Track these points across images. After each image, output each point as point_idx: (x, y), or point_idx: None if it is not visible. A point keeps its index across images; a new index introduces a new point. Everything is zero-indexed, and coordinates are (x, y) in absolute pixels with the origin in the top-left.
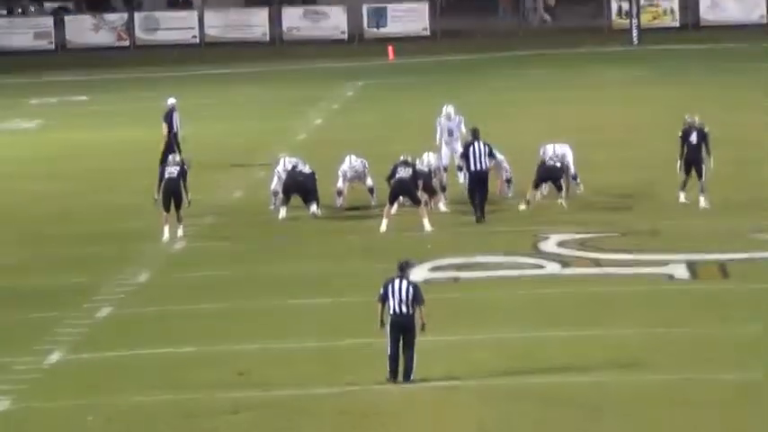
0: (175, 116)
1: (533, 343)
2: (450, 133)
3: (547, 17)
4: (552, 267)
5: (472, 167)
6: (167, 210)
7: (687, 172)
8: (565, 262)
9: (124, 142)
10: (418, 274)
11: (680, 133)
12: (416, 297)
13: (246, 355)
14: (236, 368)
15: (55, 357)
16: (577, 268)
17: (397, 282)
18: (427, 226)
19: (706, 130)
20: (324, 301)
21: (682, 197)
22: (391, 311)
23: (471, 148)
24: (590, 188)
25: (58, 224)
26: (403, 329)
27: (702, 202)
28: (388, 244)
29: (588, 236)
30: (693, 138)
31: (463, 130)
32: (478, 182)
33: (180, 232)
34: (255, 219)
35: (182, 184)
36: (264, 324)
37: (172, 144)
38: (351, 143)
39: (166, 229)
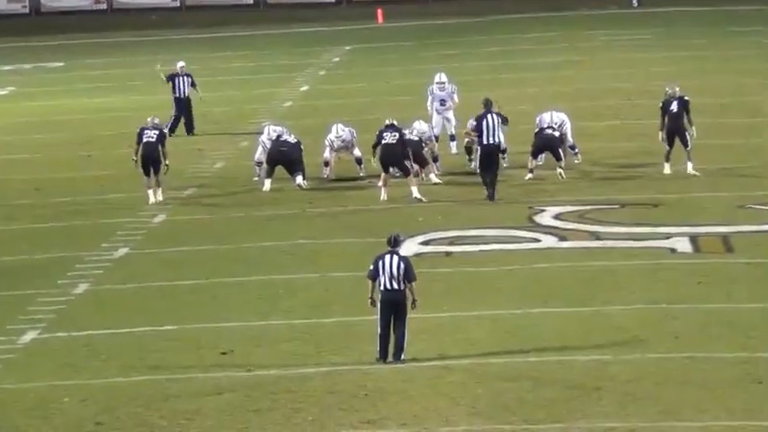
0: (179, 80)
1: (529, 320)
2: (443, 102)
3: None
4: (549, 241)
5: (485, 141)
6: (147, 174)
7: (670, 143)
8: (562, 235)
9: (102, 110)
10: (409, 248)
11: (660, 104)
12: (408, 273)
13: (229, 333)
14: (218, 347)
15: (29, 336)
16: (575, 242)
17: (387, 257)
18: (416, 194)
19: (686, 98)
20: (310, 277)
21: (666, 168)
22: (382, 288)
23: (485, 121)
24: (588, 158)
25: (33, 196)
26: (394, 306)
27: (690, 168)
28: (377, 217)
29: (587, 208)
30: (674, 107)
31: (456, 99)
32: (490, 156)
33: (159, 197)
34: (239, 190)
35: (160, 149)
36: (248, 301)
37: (179, 109)
38: (338, 111)
39: (150, 192)
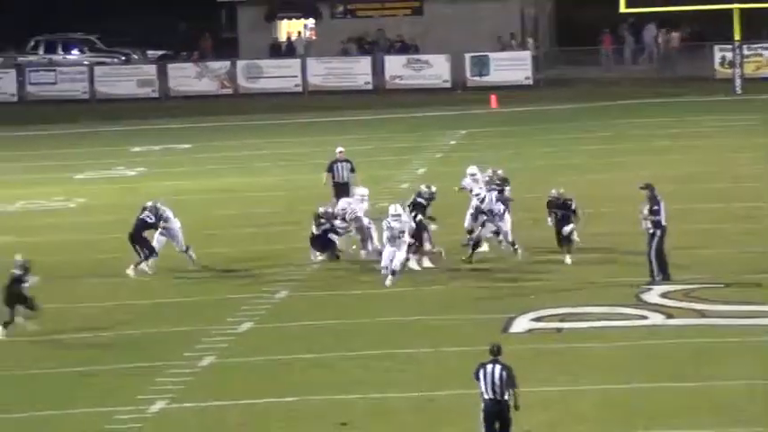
0: (339, 166)
1: (637, 395)
2: (399, 235)
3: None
4: (656, 318)
5: (664, 222)
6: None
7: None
8: (669, 313)
9: (226, 190)
10: (521, 323)
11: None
12: (509, 381)
13: (348, 405)
14: (337, 419)
15: (158, 406)
16: (682, 319)
17: (489, 366)
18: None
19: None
20: (425, 351)
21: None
22: (486, 396)
23: (663, 203)
24: (694, 239)
25: (161, 273)
26: (497, 416)
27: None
28: (488, 294)
29: (693, 287)
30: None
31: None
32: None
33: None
34: (357, 269)
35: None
36: (366, 374)
37: (338, 193)
38: (453, 193)
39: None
